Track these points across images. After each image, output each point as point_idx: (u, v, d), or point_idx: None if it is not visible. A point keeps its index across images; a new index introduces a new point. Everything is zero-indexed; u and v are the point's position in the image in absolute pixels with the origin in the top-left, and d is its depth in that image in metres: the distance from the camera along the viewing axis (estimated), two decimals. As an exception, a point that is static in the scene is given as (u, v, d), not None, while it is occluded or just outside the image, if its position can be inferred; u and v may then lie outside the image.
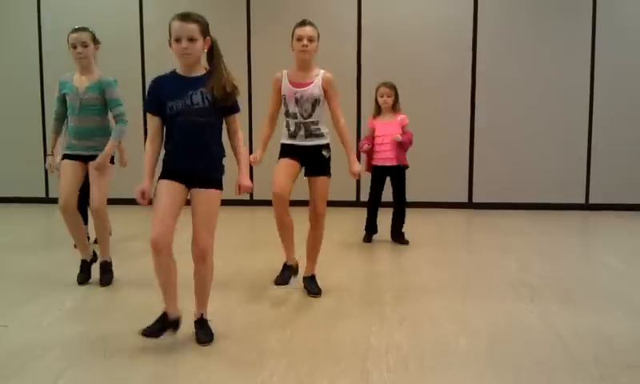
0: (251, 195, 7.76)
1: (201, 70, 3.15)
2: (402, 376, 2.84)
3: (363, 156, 5.87)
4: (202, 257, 3.14)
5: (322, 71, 4.06)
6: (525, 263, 4.93)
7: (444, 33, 7.56)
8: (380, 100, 5.63)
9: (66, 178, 4.23)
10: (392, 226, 5.75)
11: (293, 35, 4.01)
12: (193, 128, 3.08)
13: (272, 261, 4.96)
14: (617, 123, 7.45)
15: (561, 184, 7.57)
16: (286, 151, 4.12)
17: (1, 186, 8.24)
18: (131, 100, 7.75)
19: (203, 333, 3.25)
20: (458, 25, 7.54)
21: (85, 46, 4.23)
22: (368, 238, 5.80)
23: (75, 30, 4.27)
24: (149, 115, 3.15)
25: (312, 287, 4.13)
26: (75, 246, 4.78)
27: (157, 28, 7.64)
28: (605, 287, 4.32)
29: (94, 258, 4.49)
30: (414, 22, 7.59)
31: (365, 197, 7.59)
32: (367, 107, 7.53)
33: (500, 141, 7.56)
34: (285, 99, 4.08)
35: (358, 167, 4.12)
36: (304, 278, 4.23)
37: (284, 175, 4.04)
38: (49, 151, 4.47)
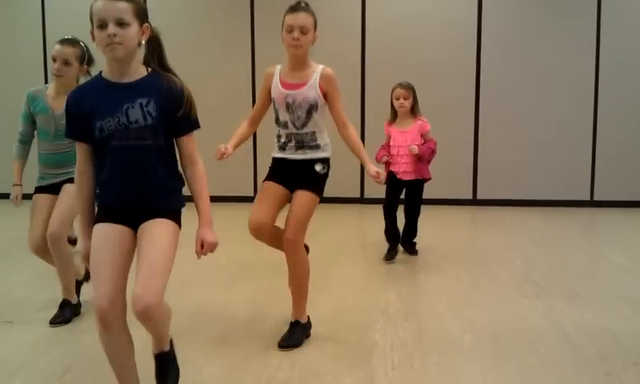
0: (255, 190, 7.77)
1: (139, 71, 2.27)
2: (407, 373, 2.84)
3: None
4: (147, 317, 2.19)
5: (320, 67, 3.22)
6: (530, 260, 4.92)
7: (449, 30, 7.54)
8: (396, 103, 4.82)
9: (41, 215, 3.53)
10: (402, 234, 5.06)
11: (283, 24, 3.22)
12: (133, 155, 2.22)
13: (276, 253, 4.96)
14: (622, 119, 7.42)
15: (566, 180, 7.55)
16: (274, 168, 3.32)
17: (6, 183, 8.26)
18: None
19: (167, 372, 2.53)
20: (463, 22, 7.52)
21: (66, 63, 3.50)
22: (390, 255, 4.90)
23: (61, 42, 3.53)
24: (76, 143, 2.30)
25: (286, 340, 3.17)
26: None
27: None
28: (610, 284, 4.31)
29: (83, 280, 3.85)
30: (418, 19, 7.56)
31: (369, 192, 7.63)
32: (371, 107, 7.56)
33: (504, 137, 7.54)
34: (274, 103, 3.25)
35: (375, 168, 3.28)
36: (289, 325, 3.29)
37: (262, 204, 3.24)
38: (15, 181, 3.65)
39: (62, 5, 7.97)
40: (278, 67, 3.32)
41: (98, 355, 3.01)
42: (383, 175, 3.28)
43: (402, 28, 7.56)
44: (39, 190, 3.62)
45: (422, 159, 4.78)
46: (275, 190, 3.24)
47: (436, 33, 7.55)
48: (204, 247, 2.36)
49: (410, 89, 4.82)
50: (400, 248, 5.07)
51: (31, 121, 3.61)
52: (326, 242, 5.60)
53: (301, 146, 3.22)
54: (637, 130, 7.43)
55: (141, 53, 2.28)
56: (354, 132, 3.32)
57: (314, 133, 3.21)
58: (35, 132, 3.64)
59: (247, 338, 3.28)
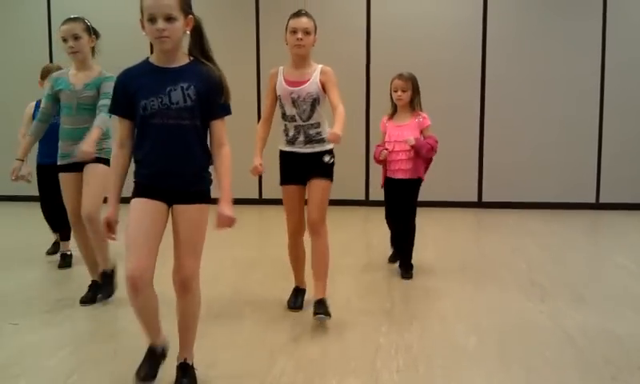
0: (260, 194, 7.78)
1: (183, 58, 2.55)
2: (412, 376, 2.84)
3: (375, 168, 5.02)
4: (185, 287, 2.54)
5: (320, 66, 3.60)
6: (535, 263, 4.91)
7: (454, 31, 7.54)
8: (394, 95, 4.47)
9: (71, 193, 3.89)
10: (397, 249, 4.77)
11: (287, 28, 3.61)
12: (172, 132, 2.47)
13: (280, 259, 4.97)
14: (627, 121, 7.40)
15: (571, 183, 7.54)
16: (286, 161, 3.66)
17: (13, 184, 8.28)
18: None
19: (186, 382, 2.64)
20: (468, 23, 7.52)
21: (76, 38, 3.76)
22: (396, 258, 4.80)
23: (66, 21, 3.81)
24: (118, 118, 2.56)
25: (319, 308, 3.48)
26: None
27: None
28: (616, 287, 4.29)
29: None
30: (423, 20, 7.57)
31: (373, 195, 7.62)
32: (376, 107, 7.56)
33: (510, 140, 7.53)
34: (280, 100, 3.61)
35: (337, 132, 3.27)
36: (314, 303, 3.56)
37: (294, 213, 3.73)
38: (19, 155, 3.92)
39: (67, 5, 8.00)
40: (281, 68, 3.69)
41: (103, 359, 3.03)
42: (336, 136, 3.28)
43: (406, 30, 7.57)
44: (62, 168, 3.90)
45: (419, 154, 4.38)
46: (298, 194, 3.69)
47: (441, 34, 7.55)
48: (220, 222, 2.51)
49: (409, 80, 4.43)
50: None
51: (53, 100, 3.86)
52: (332, 244, 5.58)
53: (309, 140, 3.58)
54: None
55: (185, 41, 2.54)
56: (342, 111, 3.46)
57: (318, 124, 3.58)
58: (56, 112, 3.91)
59: (252, 340, 3.29)
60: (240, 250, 5.39)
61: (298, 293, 3.89)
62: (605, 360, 3.00)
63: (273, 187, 7.77)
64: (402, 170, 4.45)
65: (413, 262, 4.58)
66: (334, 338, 3.30)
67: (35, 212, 7.50)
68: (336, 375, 2.81)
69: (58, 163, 3.91)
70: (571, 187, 7.55)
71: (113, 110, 2.60)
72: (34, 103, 5.12)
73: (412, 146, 4.36)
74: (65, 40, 3.77)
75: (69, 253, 4.91)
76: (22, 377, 2.83)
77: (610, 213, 7.29)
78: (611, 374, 2.84)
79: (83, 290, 4.07)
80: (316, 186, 3.57)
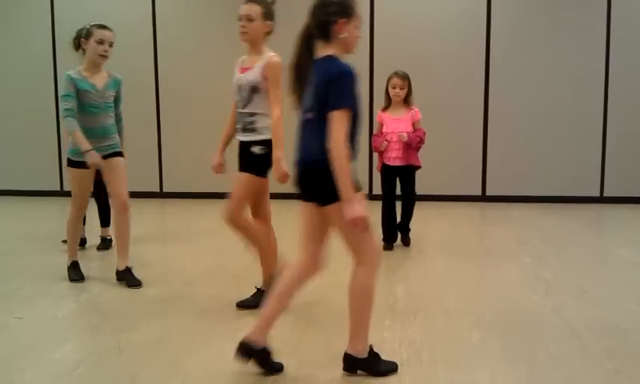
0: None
1: None
2: (416, 370, 2.84)
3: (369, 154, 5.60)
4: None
5: (269, 55, 3.51)
6: (539, 257, 4.90)
7: (458, 25, 7.51)
8: (392, 92, 5.05)
9: (85, 188, 4.26)
10: (399, 223, 5.30)
11: None
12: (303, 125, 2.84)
13: (285, 255, 4.97)
14: (632, 115, 7.37)
15: (575, 177, 7.51)
16: (238, 153, 3.65)
17: (16, 180, 8.32)
18: (144, 98, 7.87)
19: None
20: (472, 16, 7.49)
21: (111, 45, 4.17)
22: (388, 245, 5.16)
23: (103, 27, 4.16)
24: (348, 113, 2.59)
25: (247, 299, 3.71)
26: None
27: (169, 22, 7.68)
28: (620, 281, 4.29)
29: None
30: (427, 14, 7.54)
31: (376, 189, 7.61)
32: (380, 101, 7.53)
33: (514, 133, 7.51)
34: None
35: (282, 170, 3.40)
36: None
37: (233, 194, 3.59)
38: (88, 147, 4.02)
39: (72, 6, 8.00)
40: (244, 57, 3.67)
41: (106, 353, 3.04)
42: (282, 175, 3.46)
43: (410, 23, 7.54)
44: (80, 164, 4.10)
45: (410, 146, 5.02)
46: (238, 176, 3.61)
47: (445, 27, 7.52)
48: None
49: (406, 79, 5.04)
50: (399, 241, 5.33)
51: (75, 98, 4.06)
52: (335, 239, 5.59)
53: (244, 128, 3.56)
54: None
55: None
56: (278, 120, 3.46)
57: (254, 114, 3.51)
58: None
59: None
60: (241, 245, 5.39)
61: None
62: (608, 353, 2.99)
63: (275, 183, 7.83)
64: (398, 157, 5.06)
65: (416, 253, 4.89)
66: (337, 331, 3.30)
67: (44, 206, 7.53)
68: (339, 369, 2.82)
69: (76, 159, 4.12)
70: (575, 181, 7.52)
71: (351, 104, 2.60)
72: None
73: (406, 142, 4.99)
74: (101, 43, 4.09)
75: (109, 237, 5.33)
76: (28, 370, 2.84)
77: (614, 206, 7.27)
78: (615, 368, 2.84)
79: (87, 286, 4.08)
80: (237, 178, 3.56)
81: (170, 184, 7.99)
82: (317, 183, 2.69)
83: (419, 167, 5.16)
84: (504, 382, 2.74)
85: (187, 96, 7.69)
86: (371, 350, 2.81)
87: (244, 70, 3.56)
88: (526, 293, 3.98)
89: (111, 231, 4.98)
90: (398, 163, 5.07)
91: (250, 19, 3.48)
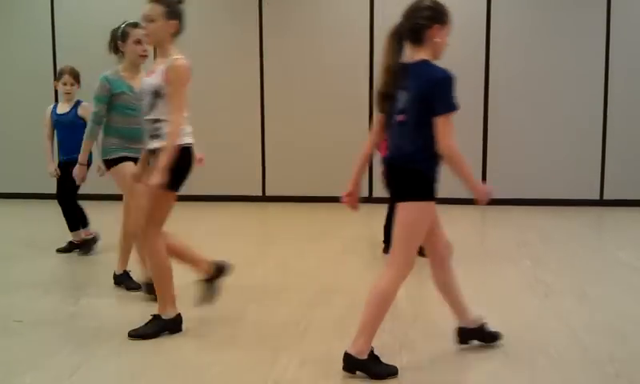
0: (264, 191, 7.78)
1: None
2: (416, 373, 2.83)
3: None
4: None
5: (173, 58, 3.21)
6: (539, 259, 4.90)
7: (457, 26, 7.47)
8: None
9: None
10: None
11: None
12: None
13: (284, 257, 4.97)
14: (632, 118, 7.37)
15: (575, 179, 7.51)
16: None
17: (15, 183, 8.30)
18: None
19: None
20: (472, 18, 7.48)
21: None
22: (386, 249, 4.94)
23: (138, 25, 3.84)
24: (451, 116, 2.71)
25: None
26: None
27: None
28: (620, 283, 4.28)
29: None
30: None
31: (377, 192, 7.61)
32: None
33: (514, 135, 7.50)
34: None
35: (156, 180, 3.07)
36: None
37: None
38: (83, 161, 4.04)
39: (72, 7, 8.00)
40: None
41: (106, 356, 3.03)
42: (155, 183, 3.12)
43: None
44: (127, 159, 3.92)
45: None
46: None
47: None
48: None
49: None
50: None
51: (107, 102, 3.91)
52: (336, 242, 5.60)
53: (150, 135, 3.28)
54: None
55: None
56: (172, 127, 3.16)
57: (158, 120, 3.22)
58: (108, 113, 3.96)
59: (255, 337, 3.29)
60: (242, 246, 5.39)
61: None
62: (609, 357, 2.99)
63: (276, 184, 7.84)
64: None
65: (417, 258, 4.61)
66: (338, 335, 3.30)
67: (42, 209, 7.52)
68: (340, 372, 2.81)
69: (123, 155, 3.93)
70: (575, 183, 7.51)
71: (455, 108, 2.70)
72: (51, 106, 5.27)
73: None
74: (139, 42, 3.90)
75: (91, 236, 5.23)
76: (27, 374, 2.83)
77: (614, 209, 7.26)
78: (616, 371, 2.83)
79: (86, 289, 4.08)
80: (143, 190, 3.31)
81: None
82: (401, 181, 2.84)
83: None
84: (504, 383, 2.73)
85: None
86: (371, 352, 2.81)
87: (150, 74, 3.31)
88: (527, 296, 3.97)
89: (84, 233, 5.14)
90: None
91: (150, 20, 3.21)
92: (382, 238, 5.14)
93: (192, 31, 8.33)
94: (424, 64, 2.78)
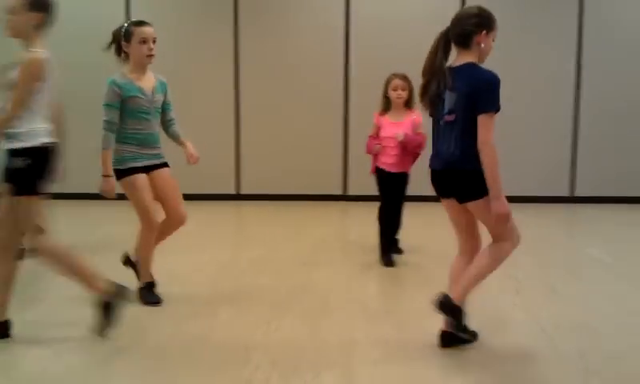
0: (238, 189, 7.74)
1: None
2: (387, 370, 2.84)
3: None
4: None
5: (32, 51, 3.01)
6: (510, 256, 4.93)
7: (431, 25, 7.52)
8: (393, 94, 4.65)
9: (149, 193, 3.68)
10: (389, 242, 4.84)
11: None
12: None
13: (257, 256, 4.96)
14: (603, 115, 7.47)
15: (546, 176, 7.60)
16: None
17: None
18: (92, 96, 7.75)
19: None
20: (445, 16, 7.51)
21: (154, 42, 3.68)
22: (388, 260, 4.70)
23: (143, 23, 3.68)
24: (494, 116, 2.99)
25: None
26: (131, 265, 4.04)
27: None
28: (590, 280, 4.34)
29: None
30: (400, 15, 7.56)
31: (352, 190, 7.63)
32: (353, 103, 7.58)
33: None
34: None
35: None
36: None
37: None
38: (108, 172, 3.59)
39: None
40: None
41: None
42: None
43: (383, 27, 7.55)
44: (136, 170, 3.67)
45: (406, 150, 4.61)
46: None
47: (418, 26, 7.54)
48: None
49: (407, 80, 4.69)
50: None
51: (119, 108, 3.63)
52: (309, 240, 5.60)
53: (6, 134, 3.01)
54: (617, 125, 7.50)
55: None
56: (5, 115, 2.96)
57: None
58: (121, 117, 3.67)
59: (227, 337, 3.26)
60: (215, 245, 5.36)
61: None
62: (579, 352, 3.03)
63: (251, 182, 7.81)
64: (394, 164, 4.66)
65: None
66: (310, 332, 3.30)
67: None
68: (311, 370, 2.81)
69: (133, 165, 3.65)
70: (546, 180, 7.61)
71: (499, 108, 2.96)
72: None
73: (400, 142, 4.56)
74: (145, 42, 3.63)
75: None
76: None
77: (584, 206, 7.36)
78: (585, 366, 2.87)
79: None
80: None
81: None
82: (457, 181, 2.99)
83: (409, 174, 4.78)
84: (476, 379, 2.75)
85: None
86: (462, 307, 3.03)
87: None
88: (497, 292, 4.01)
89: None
90: (392, 170, 4.66)
91: (11, 12, 3.01)
92: (367, 239, 5.06)
93: (167, 31, 8.30)
94: (471, 66, 2.98)
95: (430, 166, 3.14)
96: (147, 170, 3.71)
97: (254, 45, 7.68)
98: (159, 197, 3.74)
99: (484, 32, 3.00)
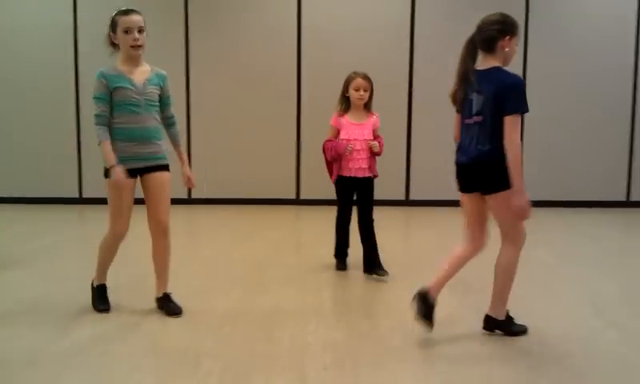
0: (189, 193, 7.67)
1: None
2: (338, 373, 2.87)
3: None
4: None
5: None
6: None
7: (382, 32, 7.63)
8: (355, 94, 4.41)
9: (125, 201, 3.52)
10: (365, 255, 4.58)
11: None
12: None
13: (209, 259, 4.93)
14: (548, 119, 7.68)
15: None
16: None
17: (34, 186, 7.86)
18: (62, 100, 7.61)
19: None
20: (396, 24, 7.62)
21: (141, 31, 3.51)
22: (342, 264, 4.72)
23: (127, 12, 3.50)
24: (520, 117, 3.10)
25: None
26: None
27: (91, 22, 7.45)
28: (535, 281, 4.46)
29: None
30: (352, 22, 7.62)
31: (304, 194, 7.65)
32: (306, 105, 7.61)
33: (437, 139, 7.67)
34: None
35: None
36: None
37: None
38: (112, 162, 3.45)
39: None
40: None
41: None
42: None
43: (335, 30, 7.61)
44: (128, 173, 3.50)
45: (378, 155, 4.52)
46: None
47: (369, 35, 7.63)
48: None
49: (370, 81, 4.46)
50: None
51: (109, 100, 3.49)
52: (262, 243, 5.59)
53: None
54: (562, 132, 7.73)
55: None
56: None
57: None
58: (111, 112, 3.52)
59: (177, 342, 3.24)
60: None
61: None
62: (523, 352, 3.12)
63: (202, 186, 7.74)
64: (362, 168, 4.47)
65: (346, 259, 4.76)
66: (262, 338, 3.30)
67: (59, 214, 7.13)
68: (263, 375, 2.81)
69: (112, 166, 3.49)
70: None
71: (525, 110, 3.09)
72: None
73: (375, 152, 4.46)
74: (128, 32, 3.46)
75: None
76: None
77: (535, 210, 7.52)
78: (528, 365, 2.96)
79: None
80: None
81: (91, 189, 7.72)
82: (484, 175, 3.21)
83: (377, 176, 4.61)
84: (425, 381, 2.80)
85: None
86: (507, 314, 3.34)
87: None
88: (446, 294, 4.05)
89: None
90: (360, 175, 4.46)
91: None
92: (321, 247, 5.07)
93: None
94: (497, 70, 3.17)
95: (457, 161, 3.42)
96: (140, 171, 3.57)
97: (205, 47, 7.63)
98: (146, 201, 3.64)
99: (507, 37, 3.18)
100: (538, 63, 7.63)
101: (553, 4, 7.63)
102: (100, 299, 3.72)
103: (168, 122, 3.75)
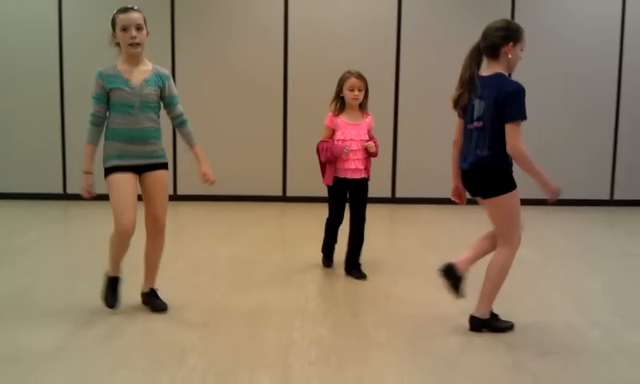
0: (175, 190, 7.64)
1: None
2: (324, 369, 2.86)
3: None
4: None
5: None
6: (444, 256, 4.99)
7: (369, 31, 7.64)
8: (349, 94, 4.33)
9: (128, 194, 3.45)
10: (348, 253, 4.52)
11: None
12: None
13: (193, 257, 4.91)
14: (542, 119, 7.71)
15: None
16: None
17: (18, 182, 7.77)
18: (47, 97, 7.54)
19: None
20: (383, 23, 7.63)
21: (139, 29, 3.41)
22: (329, 260, 4.72)
23: (125, 10, 3.42)
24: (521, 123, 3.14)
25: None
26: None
27: (75, 19, 7.39)
28: (521, 278, 4.48)
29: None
30: (339, 21, 7.62)
31: (290, 191, 7.64)
32: (293, 104, 7.59)
33: (423, 138, 7.71)
34: None
35: None
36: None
37: None
38: (87, 168, 3.45)
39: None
40: None
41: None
42: None
43: (322, 29, 7.60)
44: (118, 169, 3.44)
45: (374, 156, 4.49)
46: None
47: (356, 33, 7.64)
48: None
49: (365, 80, 4.39)
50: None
51: (105, 101, 3.44)
52: (248, 240, 5.58)
53: None
54: (547, 132, 7.77)
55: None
56: None
57: None
58: (108, 112, 3.48)
59: (162, 339, 3.22)
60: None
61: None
62: (508, 347, 3.14)
63: (187, 183, 7.71)
64: (359, 169, 4.40)
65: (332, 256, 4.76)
66: (247, 334, 3.29)
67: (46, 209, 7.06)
68: (248, 371, 2.80)
69: (113, 164, 3.45)
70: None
71: (525, 117, 3.13)
72: None
73: (367, 148, 4.39)
74: (126, 29, 3.39)
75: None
76: None
77: (522, 208, 7.56)
78: (513, 361, 2.97)
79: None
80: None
81: (75, 186, 7.67)
82: (483, 180, 3.26)
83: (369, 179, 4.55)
84: (410, 377, 2.80)
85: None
86: (491, 312, 3.37)
87: None
88: (431, 291, 4.09)
89: None
90: (357, 176, 4.38)
91: None
92: (309, 245, 5.00)
93: (101, 28, 8.10)
94: (499, 77, 3.20)
95: (460, 167, 3.44)
96: (138, 169, 3.52)
97: (191, 46, 7.60)
98: (144, 199, 3.60)
99: (511, 43, 3.20)
100: (522, 63, 7.62)
101: (538, 4, 7.67)
102: (109, 292, 3.63)
103: (177, 122, 3.71)
